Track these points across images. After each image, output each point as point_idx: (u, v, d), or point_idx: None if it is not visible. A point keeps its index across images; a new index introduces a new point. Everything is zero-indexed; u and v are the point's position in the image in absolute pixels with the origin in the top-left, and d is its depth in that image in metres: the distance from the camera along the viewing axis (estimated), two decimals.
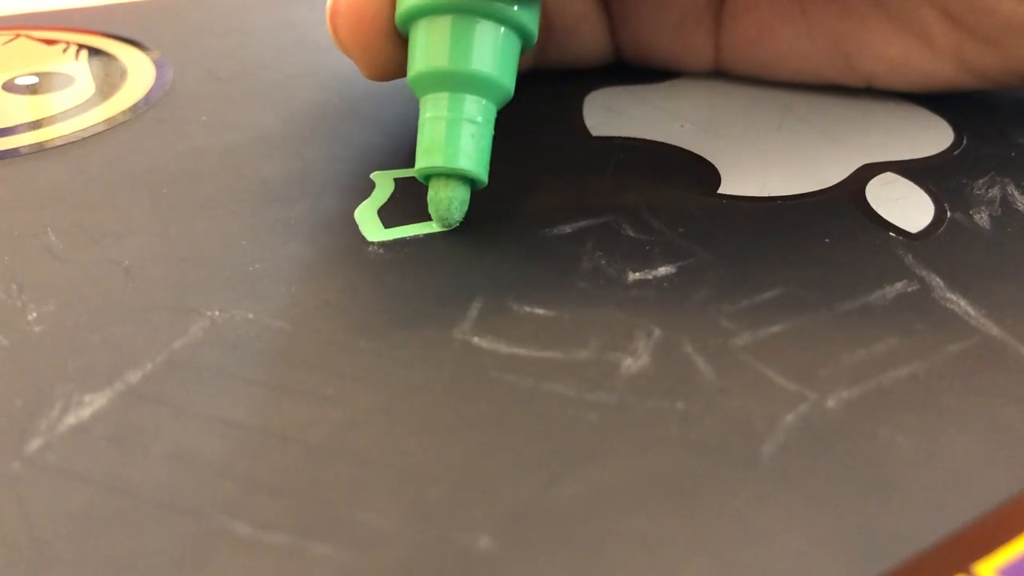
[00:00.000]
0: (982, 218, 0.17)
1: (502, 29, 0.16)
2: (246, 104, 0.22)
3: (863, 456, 0.12)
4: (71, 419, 0.12)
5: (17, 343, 0.13)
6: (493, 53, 0.15)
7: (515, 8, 0.15)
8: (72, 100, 0.22)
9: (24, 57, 0.25)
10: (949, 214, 0.17)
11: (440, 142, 0.15)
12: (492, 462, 0.11)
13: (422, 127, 0.16)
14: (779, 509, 0.11)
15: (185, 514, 0.11)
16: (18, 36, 0.26)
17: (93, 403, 0.12)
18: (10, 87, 0.23)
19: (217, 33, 0.26)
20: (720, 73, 0.23)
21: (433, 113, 0.15)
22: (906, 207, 0.17)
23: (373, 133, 0.20)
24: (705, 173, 0.18)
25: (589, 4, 0.22)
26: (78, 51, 0.25)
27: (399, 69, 0.17)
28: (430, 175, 0.16)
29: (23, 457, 0.12)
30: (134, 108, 0.21)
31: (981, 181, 0.18)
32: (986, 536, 0.11)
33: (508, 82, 0.16)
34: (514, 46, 0.16)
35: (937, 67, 0.20)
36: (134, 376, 0.13)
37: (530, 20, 0.16)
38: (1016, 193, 0.18)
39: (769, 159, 0.19)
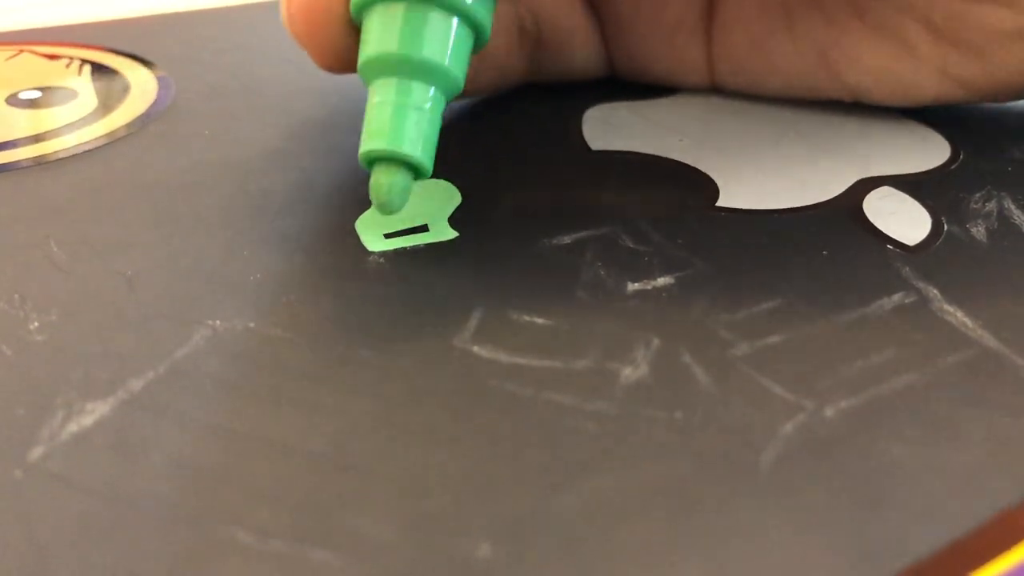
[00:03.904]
0: (979, 231, 0.17)
1: (455, 20, 0.16)
2: (248, 118, 0.22)
3: (861, 466, 0.12)
4: (73, 427, 0.12)
5: (19, 352, 0.14)
6: (444, 42, 0.16)
7: (469, 1, 0.16)
8: (75, 114, 0.22)
9: (27, 72, 0.25)
10: (946, 227, 0.17)
11: (384, 127, 0.15)
12: (492, 471, 0.12)
13: (368, 112, 0.16)
14: (777, 519, 0.11)
15: (186, 522, 0.11)
16: (21, 52, 0.26)
17: (95, 411, 0.12)
18: (13, 101, 0.23)
19: (219, 49, 0.27)
20: (716, 90, 0.23)
21: (380, 98, 0.15)
22: (903, 220, 0.17)
23: None
24: (703, 186, 0.18)
25: (582, 16, 0.22)
26: (81, 66, 0.25)
27: (353, 61, 0.17)
28: (373, 160, 0.16)
29: (25, 465, 0.12)
30: (136, 122, 0.22)
31: (978, 195, 0.18)
32: (983, 547, 0.11)
33: (458, 73, 0.16)
34: (466, 39, 0.16)
35: (922, 78, 0.20)
36: (136, 385, 0.13)
37: (483, 15, 0.16)
38: (1012, 207, 0.18)
39: (767, 172, 0.19)
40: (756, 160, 0.19)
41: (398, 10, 0.15)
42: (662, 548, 0.11)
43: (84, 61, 0.26)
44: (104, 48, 0.27)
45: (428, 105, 0.15)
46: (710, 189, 0.18)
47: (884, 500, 0.11)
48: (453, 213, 0.17)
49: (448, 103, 0.16)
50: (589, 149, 0.20)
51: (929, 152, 0.20)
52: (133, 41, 0.27)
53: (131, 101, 0.23)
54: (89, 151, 0.20)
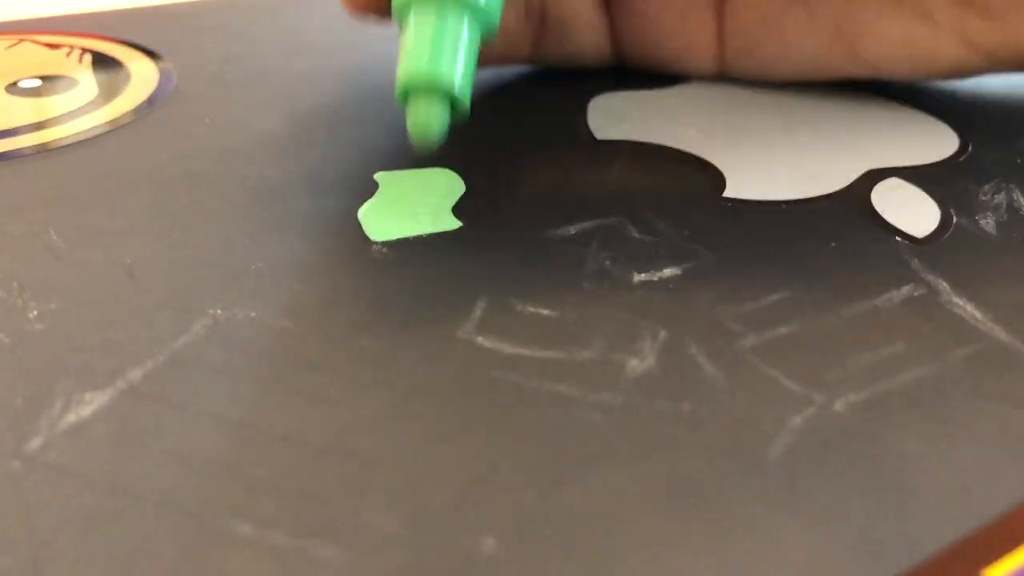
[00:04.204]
0: (988, 223, 0.17)
1: None
2: (250, 107, 0.22)
3: (870, 460, 0.11)
4: (72, 417, 0.12)
5: (18, 341, 0.13)
6: None
7: None
8: (75, 102, 0.22)
9: (28, 61, 0.25)
10: (955, 219, 0.17)
11: (424, 55, 0.15)
12: (496, 463, 0.11)
13: (405, 41, 0.15)
14: (786, 512, 0.11)
15: (186, 514, 0.11)
16: (22, 41, 0.26)
17: (94, 402, 0.12)
18: (13, 90, 0.23)
19: (221, 37, 0.26)
20: (724, 75, 0.23)
21: (418, 27, 0.15)
22: (912, 212, 0.17)
23: (377, 135, 0.20)
24: (710, 176, 0.18)
25: (587, 1, 0.22)
26: (82, 55, 0.25)
27: (383, 3, 0.17)
28: (411, 90, 0.15)
29: (23, 456, 0.11)
30: (137, 110, 0.21)
31: (987, 187, 0.18)
32: (994, 542, 0.11)
33: (495, 11, 0.16)
34: None
35: (941, 46, 0.20)
36: (135, 375, 0.13)
37: None
38: (1022, 199, 0.17)
39: (774, 163, 0.19)
40: (763, 150, 0.19)
41: None
42: (669, 542, 0.10)
43: (85, 50, 0.25)
44: (105, 37, 0.26)
45: (466, 37, 0.15)
46: (717, 179, 0.18)
47: (894, 494, 0.11)
48: (457, 203, 0.17)
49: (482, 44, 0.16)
50: (594, 138, 0.20)
51: (937, 144, 0.20)
52: (134, 31, 0.27)
53: (132, 89, 0.23)
54: (90, 139, 0.20)
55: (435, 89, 0.15)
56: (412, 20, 0.15)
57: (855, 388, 0.13)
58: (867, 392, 0.13)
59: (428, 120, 0.15)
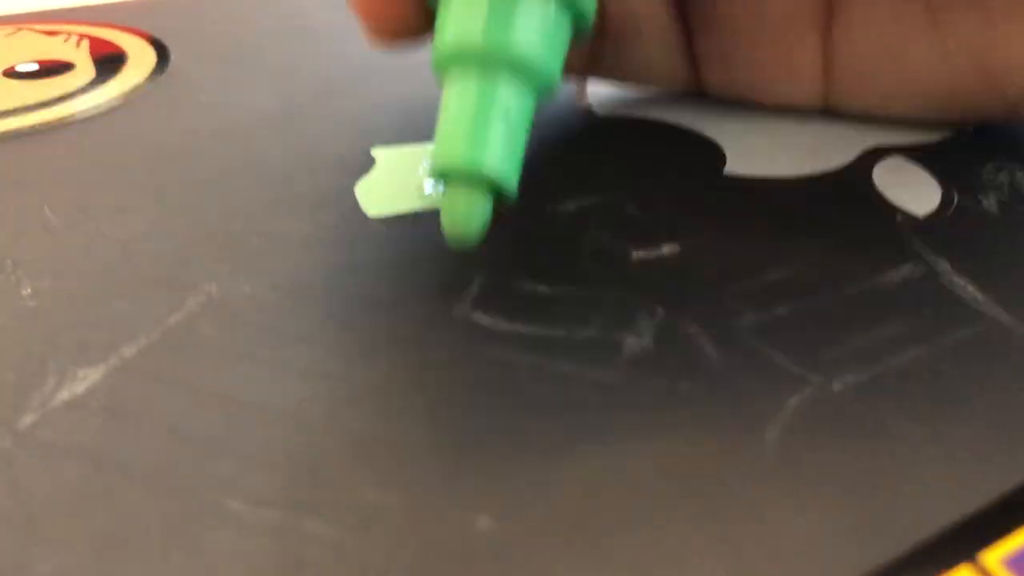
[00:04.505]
0: (990, 203, 0.17)
1: (554, 5, 0.13)
2: (246, 85, 0.21)
3: (868, 441, 0.11)
4: (64, 394, 0.12)
5: (11, 318, 0.13)
6: (539, 32, 0.13)
7: None
8: (72, 84, 0.22)
9: (25, 46, 0.24)
10: (957, 198, 0.17)
11: (463, 137, 0.13)
12: (491, 441, 0.11)
13: (443, 115, 0.13)
14: (783, 493, 0.11)
15: (179, 490, 0.11)
16: (19, 29, 0.26)
17: (87, 378, 0.12)
18: (11, 74, 0.23)
19: (218, 17, 0.26)
20: (829, 110, 0.19)
21: (459, 99, 0.13)
22: (913, 191, 0.17)
23: (373, 111, 0.20)
24: (710, 153, 0.18)
25: (657, 3, 0.18)
26: (79, 40, 0.25)
27: (413, 30, 0.14)
28: (447, 176, 0.13)
29: (16, 432, 0.11)
30: (134, 90, 0.21)
31: (990, 166, 0.18)
32: (993, 525, 0.11)
33: (554, 68, 0.13)
34: (565, 26, 0.13)
35: None
36: (129, 351, 0.13)
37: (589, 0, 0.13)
38: None
39: (775, 140, 0.19)
40: (764, 127, 0.19)
41: None
42: (664, 521, 0.10)
43: (82, 36, 0.25)
44: (102, 23, 0.26)
45: (515, 111, 0.13)
46: (717, 156, 0.18)
47: (892, 475, 0.11)
48: None
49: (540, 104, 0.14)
50: (594, 114, 0.20)
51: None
52: (133, 15, 0.27)
53: (128, 70, 0.22)
54: (86, 119, 0.20)
55: (476, 179, 0.13)
56: (452, 85, 0.13)
57: (853, 369, 0.13)
58: (865, 373, 0.12)
59: (467, 215, 0.13)
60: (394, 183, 0.17)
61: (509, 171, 0.13)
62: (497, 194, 0.13)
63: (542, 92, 0.13)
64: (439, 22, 0.13)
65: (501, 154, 0.13)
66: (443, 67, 0.13)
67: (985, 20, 0.17)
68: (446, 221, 0.13)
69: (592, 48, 0.18)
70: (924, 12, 0.17)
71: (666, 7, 0.18)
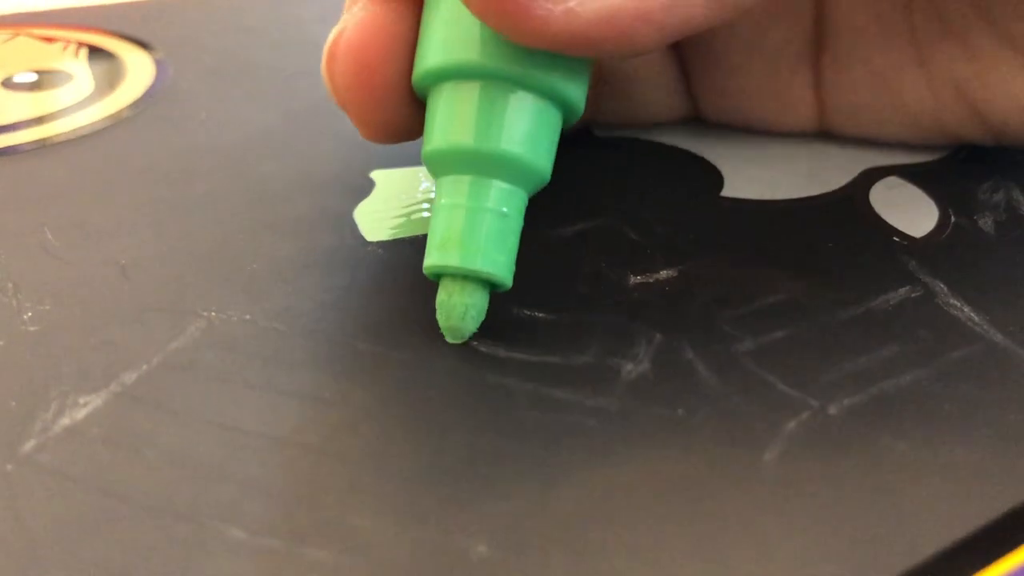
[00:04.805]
0: (986, 223, 0.17)
1: (543, 102, 0.13)
2: (246, 102, 0.21)
3: (865, 464, 0.11)
4: (65, 420, 0.12)
5: (12, 343, 0.13)
6: (529, 131, 0.13)
7: (558, 77, 0.13)
8: (71, 97, 0.22)
9: (23, 55, 0.25)
10: (953, 219, 0.17)
11: (457, 236, 0.13)
12: (490, 467, 0.11)
13: (436, 214, 0.13)
14: (780, 517, 0.11)
15: (179, 518, 0.11)
16: (17, 35, 0.26)
17: (88, 404, 0.12)
18: (9, 85, 0.23)
19: (217, 31, 0.26)
20: (825, 134, 0.20)
21: (450, 200, 0.13)
22: (910, 211, 0.17)
23: None
24: (708, 175, 0.18)
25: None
26: (78, 49, 0.25)
27: (407, 132, 0.15)
28: (441, 274, 0.13)
29: (17, 458, 0.11)
30: (133, 106, 0.21)
31: (986, 186, 0.18)
32: (988, 546, 0.11)
33: (544, 165, 0.13)
34: (554, 122, 0.13)
35: None
36: (129, 378, 0.13)
37: (576, 92, 0.13)
38: (1021, 198, 0.17)
39: (772, 162, 0.19)
40: (762, 150, 0.19)
41: (472, 91, 0.13)
42: (663, 547, 0.10)
43: (81, 44, 0.25)
44: (101, 30, 0.26)
45: (508, 208, 0.13)
46: (715, 179, 0.18)
47: (889, 498, 0.11)
48: None
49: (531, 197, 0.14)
50: (593, 136, 0.20)
51: None
52: (131, 24, 0.27)
53: (128, 84, 0.23)
54: (86, 136, 0.20)
55: (471, 277, 0.13)
56: (444, 184, 0.13)
57: (850, 392, 0.13)
58: (862, 395, 0.13)
59: (463, 311, 0.13)
60: (392, 207, 0.17)
61: (503, 266, 0.13)
62: (491, 286, 0.13)
63: (534, 187, 0.13)
64: (429, 122, 0.13)
65: (495, 251, 0.13)
66: (435, 166, 0.13)
67: (968, 53, 0.17)
68: (442, 316, 0.13)
69: (591, 96, 0.18)
70: (910, 45, 0.18)
71: (664, 54, 0.19)
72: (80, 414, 0.12)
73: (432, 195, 0.17)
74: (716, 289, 0.15)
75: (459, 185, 0.13)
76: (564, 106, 0.13)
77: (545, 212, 0.17)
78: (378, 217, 0.16)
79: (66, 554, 0.10)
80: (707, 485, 0.11)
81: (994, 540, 0.11)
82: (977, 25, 0.17)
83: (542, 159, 0.13)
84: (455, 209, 0.13)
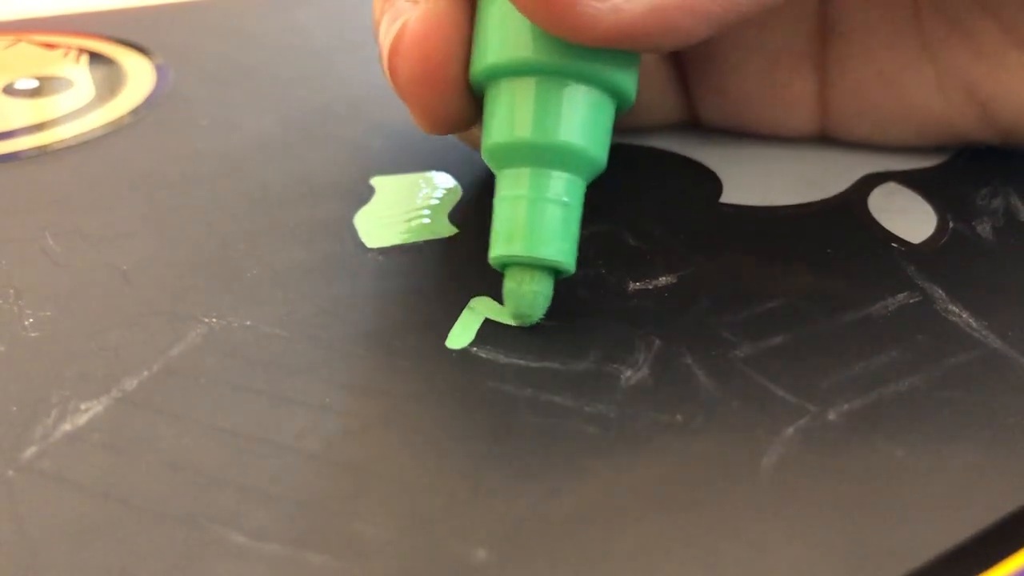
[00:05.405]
0: (985, 229, 0.17)
1: (596, 93, 0.13)
2: (246, 108, 0.22)
3: (863, 470, 0.12)
4: (67, 426, 0.12)
5: (13, 349, 0.13)
6: (585, 121, 0.13)
7: (611, 68, 0.13)
8: (72, 104, 0.22)
9: (24, 61, 0.25)
10: (952, 225, 0.17)
11: (522, 226, 0.13)
12: (489, 473, 0.11)
13: (499, 206, 0.14)
14: (779, 522, 0.11)
15: (180, 523, 0.11)
16: (19, 41, 0.26)
17: (89, 410, 0.12)
18: (10, 91, 0.23)
19: (218, 37, 0.26)
20: (826, 138, 0.20)
21: (513, 191, 0.13)
22: (908, 217, 0.17)
23: (374, 137, 0.20)
24: (707, 182, 0.18)
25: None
26: (78, 55, 0.25)
27: (462, 123, 0.15)
28: (507, 263, 0.14)
29: (18, 464, 0.11)
30: (134, 112, 0.21)
31: (984, 191, 0.18)
32: (986, 551, 0.11)
33: (600, 154, 0.14)
34: (608, 111, 0.14)
35: None
36: (130, 383, 0.13)
37: (627, 81, 0.14)
38: (1019, 204, 0.17)
39: (771, 168, 0.19)
40: (761, 156, 0.19)
41: (529, 86, 0.13)
42: (662, 553, 0.10)
43: (81, 50, 0.25)
44: (102, 36, 0.26)
45: (568, 197, 0.13)
46: (714, 185, 0.18)
47: (887, 504, 0.11)
48: (453, 208, 0.17)
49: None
50: None
51: (934, 147, 0.20)
52: (131, 30, 0.27)
53: (129, 90, 0.23)
54: (87, 141, 0.20)
55: (538, 266, 0.14)
56: (506, 177, 0.14)
57: (848, 397, 0.13)
58: (860, 401, 0.13)
59: (533, 299, 0.14)
60: (393, 213, 0.17)
61: (568, 253, 0.14)
62: (556, 272, 0.14)
63: (592, 175, 0.14)
64: (489, 116, 0.14)
65: (560, 239, 0.13)
66: (495, 159, 0.14)
67: (976, 51, 0.17)
68: (511, 305, 0.14)
69: None
70: (917, 42, 0.18)
71: (660, 58, 0.19)
72: (81, 420, 0.12)
73: (432, 201, 0.17)
74: (715, 295, 0.15)
75: (520, 177, 0.13)
76: (617, 95, 0.14)
77: None
78: (378, 223, 0.17)
79: (67, 559, 0.10)
80: (706, 490, 0.11)
81: (992, 545, 0.11)
82: (985, 23, 0.17)
83: (599, 148, 0.14)
84: (519, 200, 0.13)
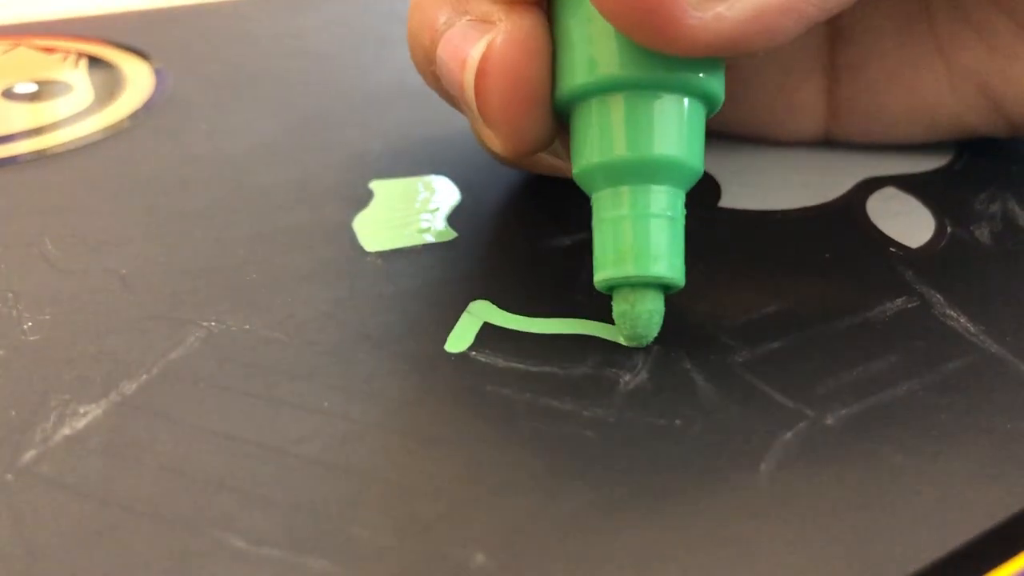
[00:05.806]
0: (983, 233, 0.17)
1: (685, 100, 0.13)
2: (245, 112, 0.22)
3: (861, 474, 0.12)
4: (65, 430, 0.12)
5: (12, 353, 0.13)
6: (678, 131, 0.13)
7: (697, 74, 0.13)
8: (71, 108, 0.22)
9: (23, 65, 0.25)
10: (950, 229, 0.17)
11: (630, 246, 0.13)
12: (488, 478, 0.11)
13: (601, 228, 0.13)
14: (777, 527, 0.11)
15: (179, 527, 0.11)
16: (17, 45, 0.26)
17: (88, 414, 0.12)
18: (9, 95, 0.23)
19: (217, 42, 0.26)
20: (830, 141, 0.20)
21: (614, 212, 0.13)
22: (907, 222, 0.17)
23: (373, 141, 0.20)
24: (705, 186, 0.18)
25: None
26: (77, 59, 0.25)
27: (546, 144, 0.14)
28: (615, 286, 0.13)
29: (17, 468, 0.11)
30: (133, 116, 0.21)
31: (982, 196, 0.18)
32: (984, 556, 0.11)
33: (697, 162, 0.13)
34: (699, 117, 0.13)
35: None
36: (129, 387, 0.13)
37: (716, 84, 0.13)
38: (1017, 208, 0.17)
39: (770, 173, 0.19)
40: (759, 160, 0.19)
41: (618, 104, 0.13)
42: (660, 558, 0.10)
43: (80, 54, 0.25)
44: (101, 41, 0.26)
45: (672, 212, 0.13)
46: (712, 189, 0.18)
47: (885, 509, 0.11)
48: (451, 212, 0.17)
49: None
50: None
51: (933, 152, 0.20)
52: (130, 34, 0.27)
53: (128, 95, 0.23)
54: (86, 146, 0.20)
55: (650, 285, 0.13)
56: (604, 198, 0.13)
57: (847, 402, 0.13)
58: (858, 406, 0.13)
59: (648, 319, 0.13)
60: (392, 217, 0.17)
61: (677, 268, 0.13)
62: (665, 288, 0.13)
63: (690, 184, 0.14)
64: (580, 140, 0.13)
65: (668, 255, 0.13)
66: (591, 181, 0.13)
67: (989, 47, 0.17)
68: (626, 328, 0.13)
69: None
70: (930, 39, 0.18)
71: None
72: (80, 424, 0.12)
73: (432, 205, 0.17)
74: (714, 299, 0.15)
75: (620, 196, 0.13)
76: (706, 99, 0.13)
77: (543, 223, 0.17)
78: (377, 227, 0.17)
79: (66, 563, 0.10)
80: (704, 495, 0.11)
81: (990, 550, 0.11)
82: (999, 19, 0.17)
83: (695, 156, 0.13)
84: (622, 220, 0.13)
